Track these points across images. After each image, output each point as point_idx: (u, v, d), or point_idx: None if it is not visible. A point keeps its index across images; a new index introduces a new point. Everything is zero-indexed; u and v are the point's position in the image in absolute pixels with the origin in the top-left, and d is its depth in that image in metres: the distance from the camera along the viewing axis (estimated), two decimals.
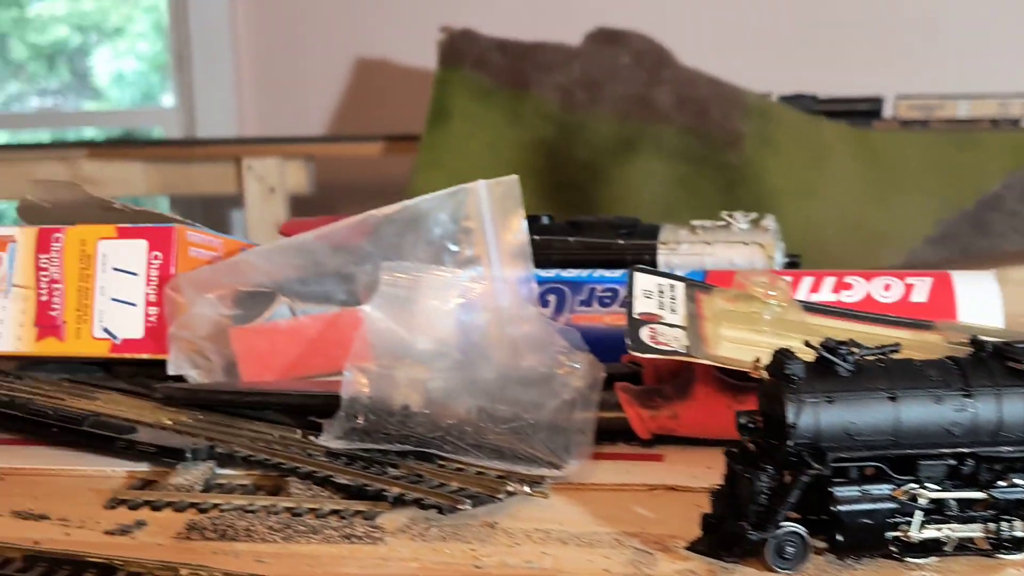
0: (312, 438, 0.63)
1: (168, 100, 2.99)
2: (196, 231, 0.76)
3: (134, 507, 0.59)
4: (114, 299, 0.74)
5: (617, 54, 2.14)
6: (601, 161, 2.14)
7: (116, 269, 0.74)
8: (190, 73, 2.49)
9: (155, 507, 0.58)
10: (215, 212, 2.50)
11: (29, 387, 0.71)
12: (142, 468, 0.64)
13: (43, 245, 0.76)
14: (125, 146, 2.29)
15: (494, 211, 0.74)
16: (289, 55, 2.49)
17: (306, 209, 2.37)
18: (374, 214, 0.74)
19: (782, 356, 0.50)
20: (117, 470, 0.64)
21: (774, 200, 2.13)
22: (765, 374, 0.51)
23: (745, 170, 2.14)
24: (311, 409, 0.68)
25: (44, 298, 0.75)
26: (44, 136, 3.02)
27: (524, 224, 0.75)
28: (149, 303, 0.74)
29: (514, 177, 0.75)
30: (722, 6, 2.40)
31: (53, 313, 0.75)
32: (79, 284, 0.75)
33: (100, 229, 0.75)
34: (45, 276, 0.75)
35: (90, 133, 2.94)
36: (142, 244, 0.74)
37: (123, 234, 0.75)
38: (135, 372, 0.77)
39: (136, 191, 2.20)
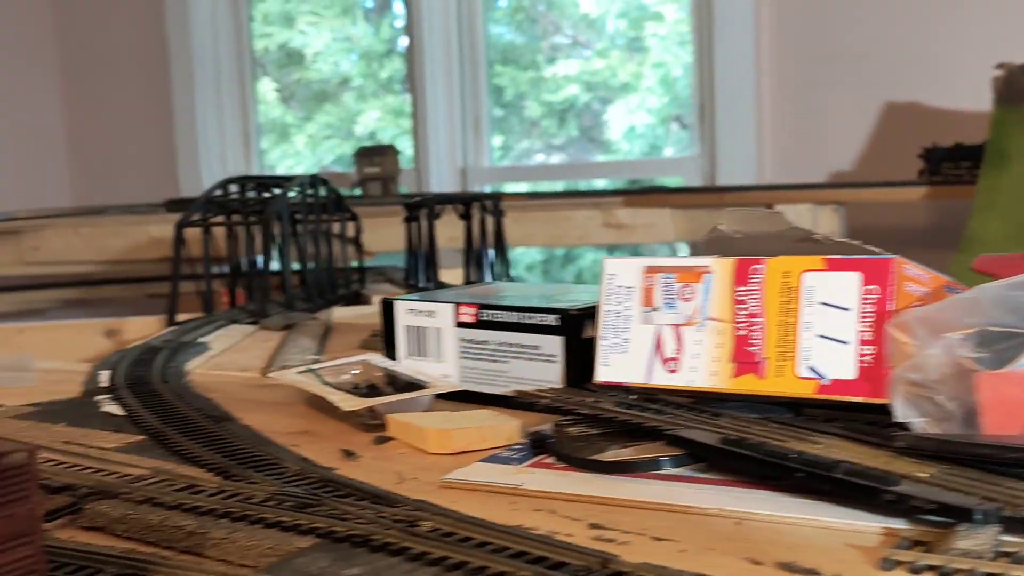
0: None
1: (669, 151, 3.03)
2: (911, 264, 0.68)
3: (916, 571, 0.52)
4: (821, 336, 0.68)
5: None
6: None
7: (824, 304, 0.69)
8: (712, 123, 2.49)
9: (943, 573, 0.51)
10: None
11: (739, 426, 0.66)
12: (897, 525, 0.57)
13: (740, 277, 0.72)
14: (656, 193, 2.32)
15: None
16: (812, 102, 2.42)
17: None
18: None
19: None
20: (871, 525, 0.57)
21: None
22: None
23: None
24: None
25: (742, 332, 0.71)
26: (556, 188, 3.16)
27: None
28: (863, 341, 0.67)
29: None
30: None
31: (752, 349, 0.70)
32: (780, 319, 0.70)
33: (805, 261, 0.70)
34: (743, 309, 0.71)
35: (600, 184, 3.04)
36: (855, 277, 0.68)
37: (832, 266, 0.69)
38: (830, 415, 0.71)
39: (664, 237, 2.22)
